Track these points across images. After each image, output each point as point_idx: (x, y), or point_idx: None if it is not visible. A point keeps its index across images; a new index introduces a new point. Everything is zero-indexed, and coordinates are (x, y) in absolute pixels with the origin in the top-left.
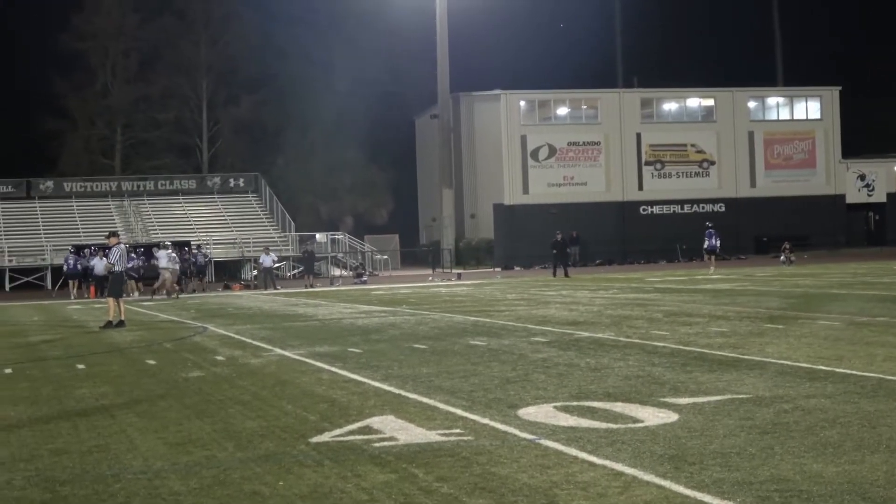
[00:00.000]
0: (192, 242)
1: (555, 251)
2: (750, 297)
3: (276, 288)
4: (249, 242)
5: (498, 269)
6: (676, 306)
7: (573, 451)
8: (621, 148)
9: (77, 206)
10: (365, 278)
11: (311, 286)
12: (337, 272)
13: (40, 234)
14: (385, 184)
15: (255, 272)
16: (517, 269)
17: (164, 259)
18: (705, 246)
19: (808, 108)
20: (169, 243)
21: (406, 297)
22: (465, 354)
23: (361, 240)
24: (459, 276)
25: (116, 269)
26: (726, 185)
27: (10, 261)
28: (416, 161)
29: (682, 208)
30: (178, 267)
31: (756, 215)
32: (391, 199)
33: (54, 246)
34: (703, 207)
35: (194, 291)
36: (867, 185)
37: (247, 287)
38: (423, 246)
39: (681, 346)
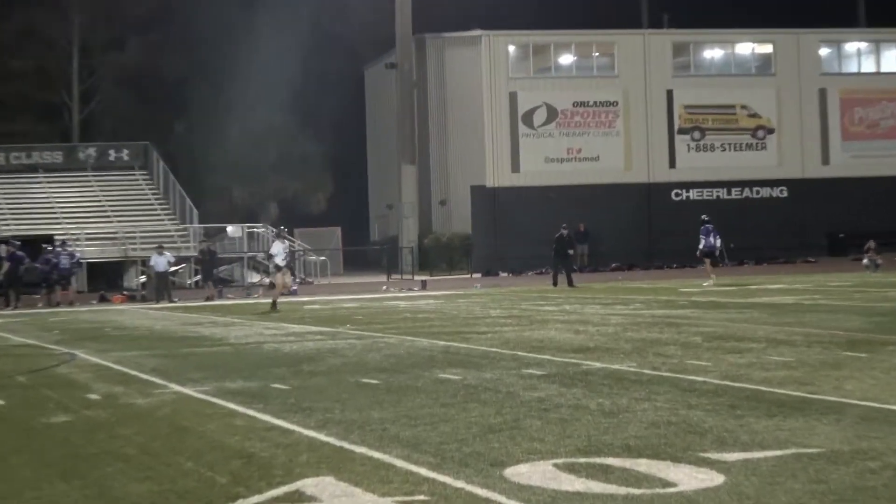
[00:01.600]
0: (55, 238)
1: (556, 251)
2: (822, 314)
3: (172, 300)
4: (136, 238)
5: (477, 276)
6: (722, 327)
7: None
8: (646, 110)
9: None
10: (295, 288)
11: (213, 298)
12: (256, 279)
13: None
14: (324, 159)
15: (143, 279)
16: (503, 275)
17: (280, 253)
18: (700, 246)
19: None
20: (284, 229)
21: (351, 313)
22: (433, 392)
23: (291, 235)
24: (424, 286)
25: None
26: (789, 161)
27: None
28: (367, 128)
29: (729, 193)
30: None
31: (829, 203)
32: (331, 179)
33: None
34: (756, 192)
35: (58, 305)
36: None
37: (132, 299)
38: (376, 244)
39: (728, 382)
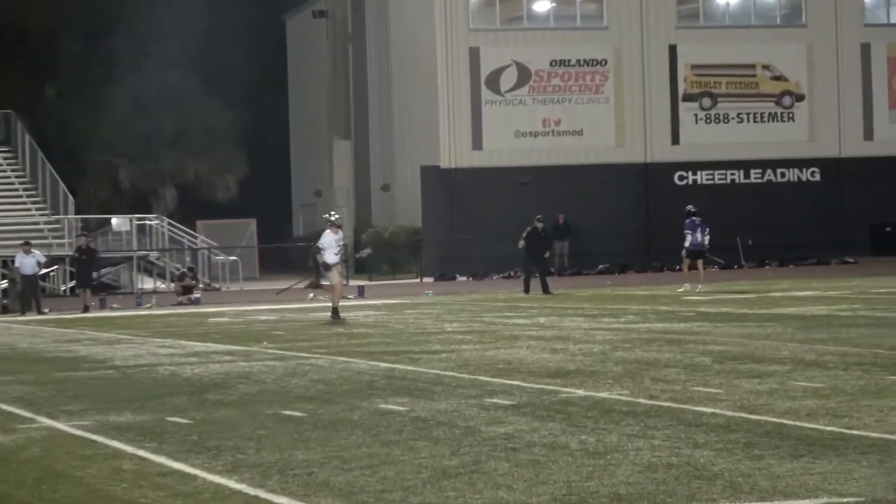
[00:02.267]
0: None
1: (528, 249)
2: (862, 328)
3: (41, 311)
4: None
5: (428, 281)
6: (737, 344)
7: None
8: (643, 71)
9: None
10: (197, 295)
11: (88, 308)
12: (149, 284)
13: None
14: (234, 132)
15: (5, 284)
16: (462, 279)
17: (332, 247)
18: (687, 244)
19: None
20: (336, 216)
21: (269, 327)
22: (372, 428)
23: (192, 228)
24: (362, 292)
25: None
26: (823, 135)
27: None
28: (289, 94)
29: (747, 175)
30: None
31: (874, 189)
32: (244, 158)
33: None
34: (781, 174)
35: None
36: None
37: None
38: (300, 240)
39: (743, 414)
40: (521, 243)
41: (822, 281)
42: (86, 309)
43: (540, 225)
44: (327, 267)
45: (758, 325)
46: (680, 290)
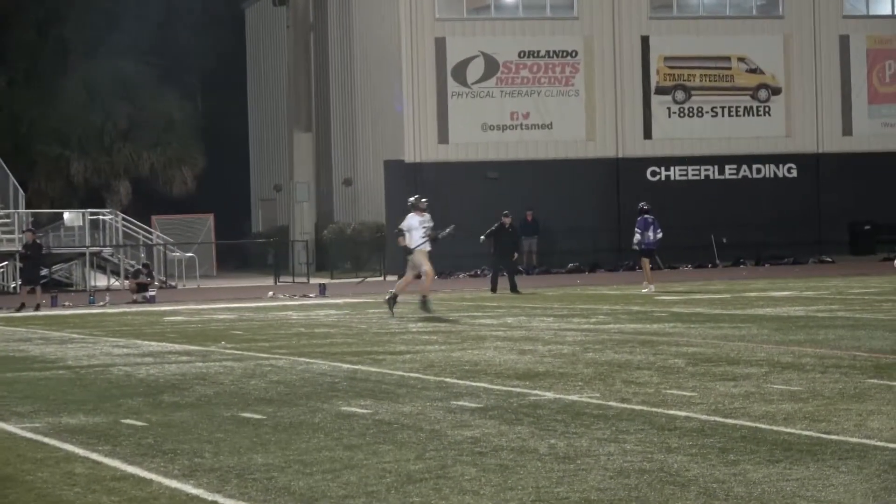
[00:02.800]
0: None
1: (496, 246)
2: (841, 329)
3: None
4: None
5: (393, 279)
6: (711, 346)
7: None
8: (615, 64)
9: None
10: (152, 293)
11: (39, 307)
12: (102, 282)
13: None
14: (191, 124)
15: None
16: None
17: (417, 230)
18: (635, 242)
19: None
20: (423, 200)
21: (227, 327)
22: (334, 431)
23: (147, 224)
24: (323, 291)
25: None
26: (800, 130)
27: None
28: (247, 85)
29: (721, 171)
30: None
31: (852, 186)
32: (201, 152)
33: None
34: (757, 170)
35: None
36: None
37: None
38: (259, 237)
39: (718, 418)
40: (482, 238)
41: (800, 281)
42: (36, 307)
43: (508, 220)
44: (409, 251)
45: (733, 327)
46: (644, 290)
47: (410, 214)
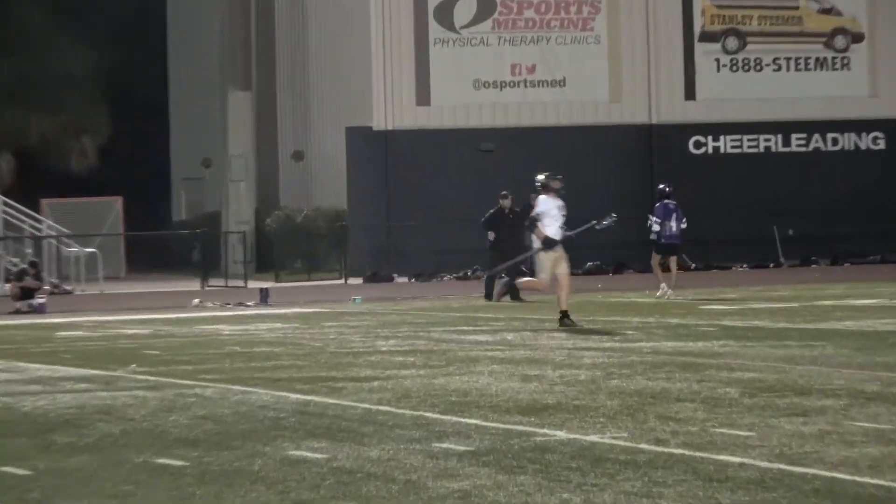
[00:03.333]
0: None
1: (495, 239)
2: None
3: None
4: None
5: (356, 282)
6: (773, 371)
7: None
8: (648, 1)
9: None
10: (41, 300)
11: None
12: None
13: None
14: (94, 82)
15: None
16: (401, 279)
17: (554, 211)
18: (654, 234)
19: None
20: (558, 176)
21: (140, 345)
22: (279, 482)
23: (35, 209)
24: (265, 298)
25: None
26: (890, 89)
27: None
28: (168, 32)
29: (787, 142)
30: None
31: None
32: (107, 117)
33: None
34: (834, 141)
35: None
36: None
37: None
38: (182, 227)
39: (782, 465)
40: (491, 235)
41: (890, 285)
42: None
43: (507, 203)
44: (550, 244)
45: (802, 345)
46: (658, 293)
47: (543, 197)
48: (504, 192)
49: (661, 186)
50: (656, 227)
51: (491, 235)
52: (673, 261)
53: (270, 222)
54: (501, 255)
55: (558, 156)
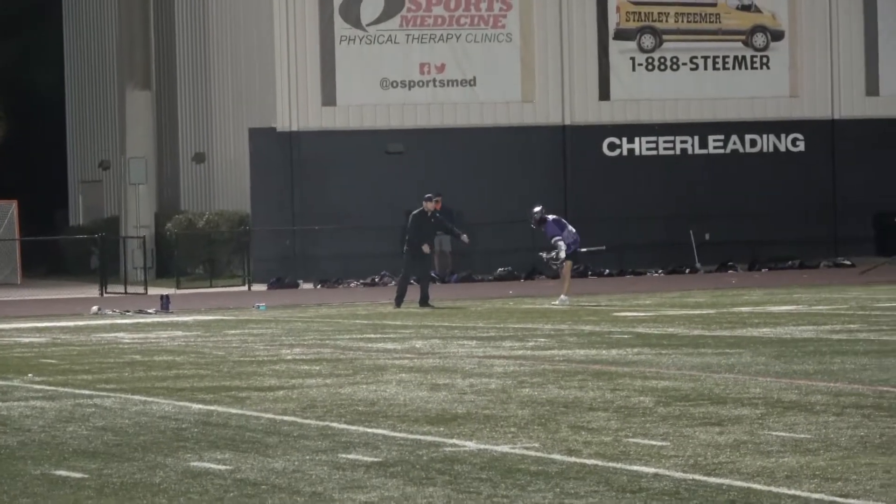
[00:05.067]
0: None
1: (410, 242)
2: (863, 357)
3: None
4: None
5: (260, 288)
6: (689, 378)
7: None
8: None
9: None
10: None
11: None
12: None
13: None
14: None
15: None
16: (307, 286)
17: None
18: (560, 247)
19: None
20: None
21: (36, 353)
22: (181, 494)
23: None
24: (166, 304)
25: None
26: (810, 89)
27: None
28: (63, 26)
29: (703, 144)
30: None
31: (879, 164)
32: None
33: None
34: (752, 143)
35: None
36: None
37: None
38: (79, 231)
39: (697, 476)
40: (426, 248)
41: (809, 291)
42: None
43: (430, 207)
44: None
45: (718, 353)
46: (556, 304)
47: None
48: (429, 195)
49: (537, 211)
50: (563, 245)
51: (426, 248)
52: (567, 266)
53: (171, 227)
54: (420, 259)
55: (469, 158)
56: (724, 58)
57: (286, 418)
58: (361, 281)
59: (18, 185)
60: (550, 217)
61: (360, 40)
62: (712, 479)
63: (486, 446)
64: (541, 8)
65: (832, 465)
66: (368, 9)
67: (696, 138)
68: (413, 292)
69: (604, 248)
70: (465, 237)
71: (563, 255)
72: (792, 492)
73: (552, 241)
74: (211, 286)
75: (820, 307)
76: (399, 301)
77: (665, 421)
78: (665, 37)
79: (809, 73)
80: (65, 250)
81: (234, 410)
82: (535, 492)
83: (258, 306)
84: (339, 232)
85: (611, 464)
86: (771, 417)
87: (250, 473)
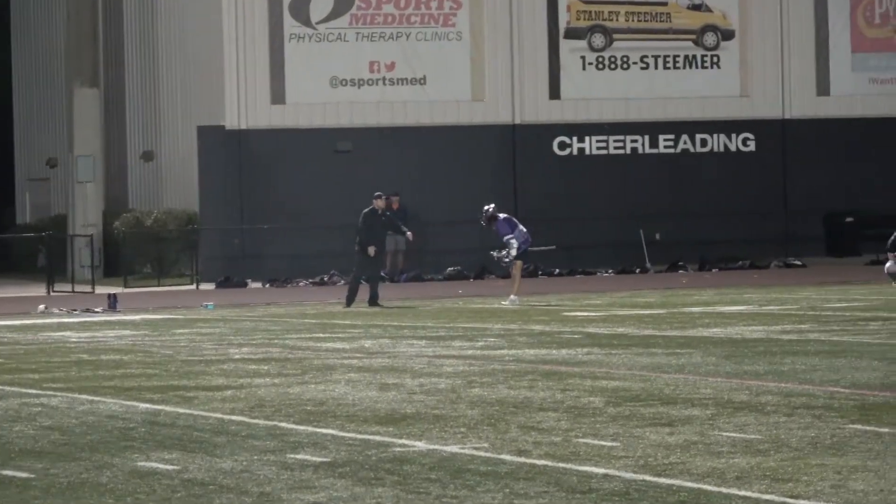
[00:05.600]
0: None
1: (363, 241)
2: (813, 357)
3: None
4: None
5: (209, 287)
6: (640, 379)
7: None
8: None
9: None
10: None
11: None
12: None
13: None
14: None
15: None
16: (255, 285)
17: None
18: (512, 246)
19: None
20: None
21: None
22: (129, 494)
23: None
24: (114, 303)
25: None
26: (761, 89)
27: None
28: (11, 23)
29: (654, 144)
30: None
31: (829, 165)
32: None
33: None
34: (702, 143)
35: None
36: None
37: None
38: (26, 230)
39: (647, 477)
40: (372, 250)
41: (759, 291)
42: None
43: (381, 205)
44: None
45: (669, 353)
46: (506, 304)
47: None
48: (378, 193)
49: (488, 208)
50: (515, 243)
51: (371, 251)
52: (517, 265)
53: (119, 225)
54: (370, 259)
55: (419, 157)
56: (674, 57)
57: (234, 418)
58: (310, 280)
59: None
60: (501, 216)
61: (310, 38)
62: (663, 480)
63: (436, 446)
64: (491, 7)
65: (783, 465)
66: (318, 7)
67: (647, 138)
68: (364, 292)
69: (553, 247)
70: (409, 234)
71: (514, 252)
72: (742, 493)
73: (504, 239)
74: (159, 285)
75: (770, 307)
76: (350, 301)
77: (615, 421)
78: (616, 35)
79: (760, 72)
80: (11, 248)
81: (181, 410)
82: (485, 492)
83: (206, 305)
84: (287, 231)
85: (561, 464)
86: (721, 418)
87: (198, 473)
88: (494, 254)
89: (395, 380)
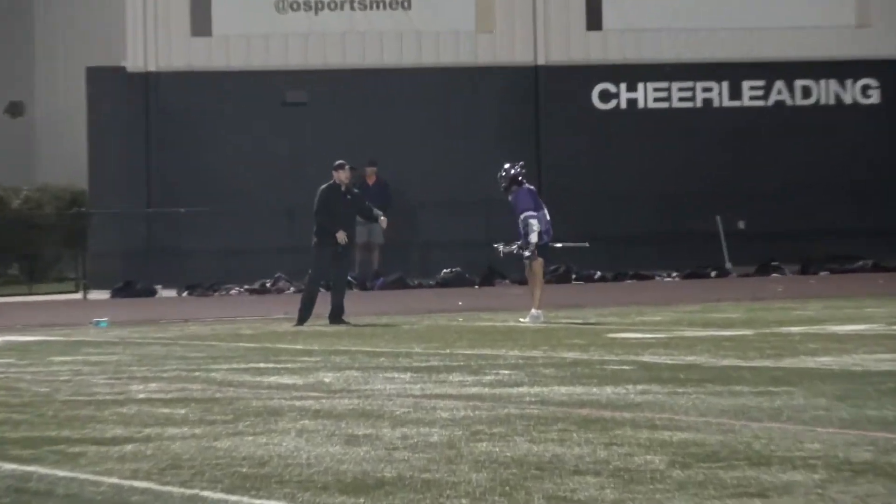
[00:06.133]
0: None
1: (321, 229)
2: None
3: None
4: None
5: (102, 295)
6: (716, 429)
7: None
8: None
9: None
10: None
11: None
12: None
13: None
14: None
15: None
16: (168, 293)
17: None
18: (534, 236)
19: None
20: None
21: None
22: None
23: None
24: None
25: None
26: (886, 17)
27: None
28: None
29: (737, 95)
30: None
31: None
32: None
33: None
34: (807, 92)
35: None
36: None
37: None
38: None
39: None
40: (340, 236)
41: (886, 303)
42: None
43: (344, 178)
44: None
45: (759, 392)
46: (526, 321)
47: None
48: (340, 162)
49: (515, 169)
50: (536, 225)
51: (341, 237)
52: (536, 266)
53: None
54: (333, 254)
55: (401, 111)
56: None
57: (137, 484)
58: (246, 287)
59: None
60: (527, 185)
61: None
62: None
63: None
64: None
65: None
66: None
67: (725, 85)
68: (323, 303)
69: (587, 244)
70: (382, 219)
71: (534, 239)
72: None
73: (521, 217)
74: (30, 293)
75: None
76: (303, 316)
77: (683, 490)
78: None
79: None
80: None
81: (62, 472)
82: None
83: (98, 322)
84: (214, 216)
85: None
86: (835, 485)
87: None
88: (500, 246)
89: (368, 429)
